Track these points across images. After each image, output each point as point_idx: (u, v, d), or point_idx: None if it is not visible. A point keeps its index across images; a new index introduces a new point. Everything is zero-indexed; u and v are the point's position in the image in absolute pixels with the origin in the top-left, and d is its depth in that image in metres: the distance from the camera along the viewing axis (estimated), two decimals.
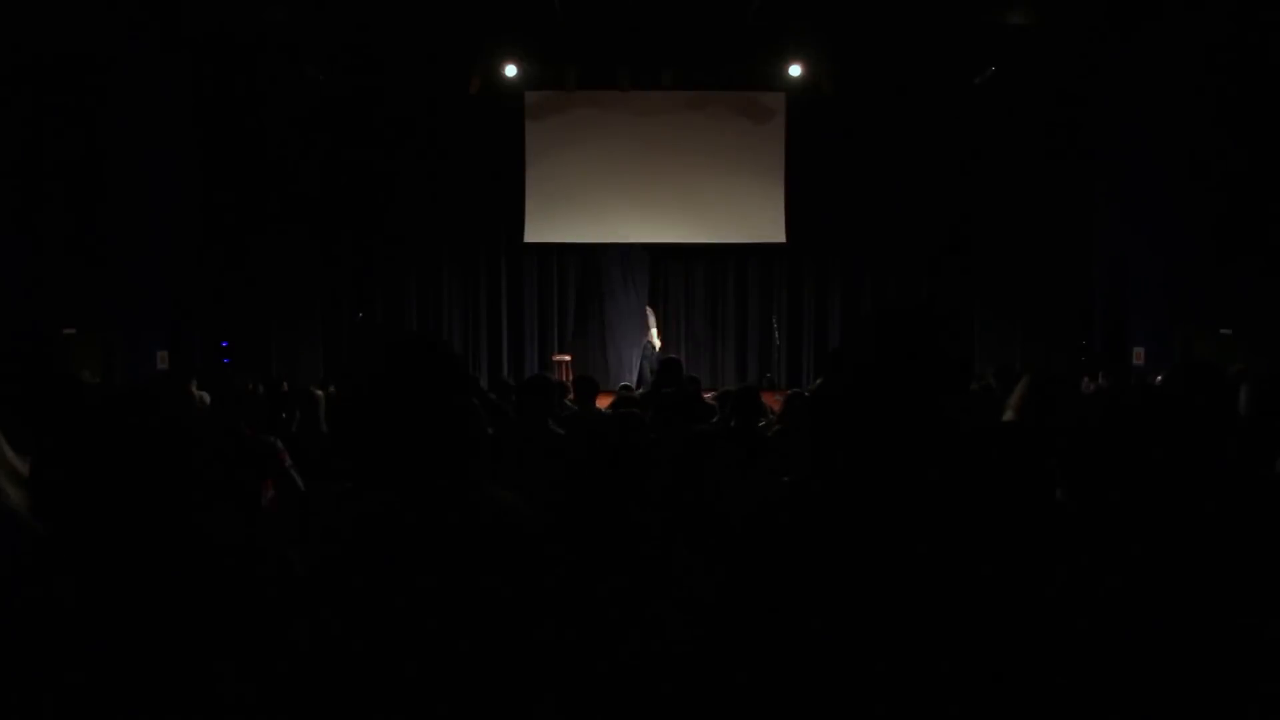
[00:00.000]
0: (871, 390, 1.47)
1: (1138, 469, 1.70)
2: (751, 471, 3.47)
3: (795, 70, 12.45)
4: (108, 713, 1.37)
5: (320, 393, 5.42)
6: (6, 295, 9.74)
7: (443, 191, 13.42)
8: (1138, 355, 11.05)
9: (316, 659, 1.40)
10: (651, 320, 13.13)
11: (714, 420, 4.98)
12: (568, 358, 13.13)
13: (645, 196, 13.47)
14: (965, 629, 1.38)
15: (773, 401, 7.27)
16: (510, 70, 12.39)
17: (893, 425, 1.45)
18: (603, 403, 6.14)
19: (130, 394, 1.52)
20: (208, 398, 5.11)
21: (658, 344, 12.91)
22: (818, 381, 3.88)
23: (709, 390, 8.34)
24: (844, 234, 13.70)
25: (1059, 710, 1.47)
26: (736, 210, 13.58)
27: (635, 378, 12.14)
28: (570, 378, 11.87)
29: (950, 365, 1.50)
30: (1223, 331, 10.48)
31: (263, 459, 3.85)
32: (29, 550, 1.49)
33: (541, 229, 13.59)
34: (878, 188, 13.36)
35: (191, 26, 10.55)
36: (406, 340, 1.50)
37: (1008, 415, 3.25)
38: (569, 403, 5.98)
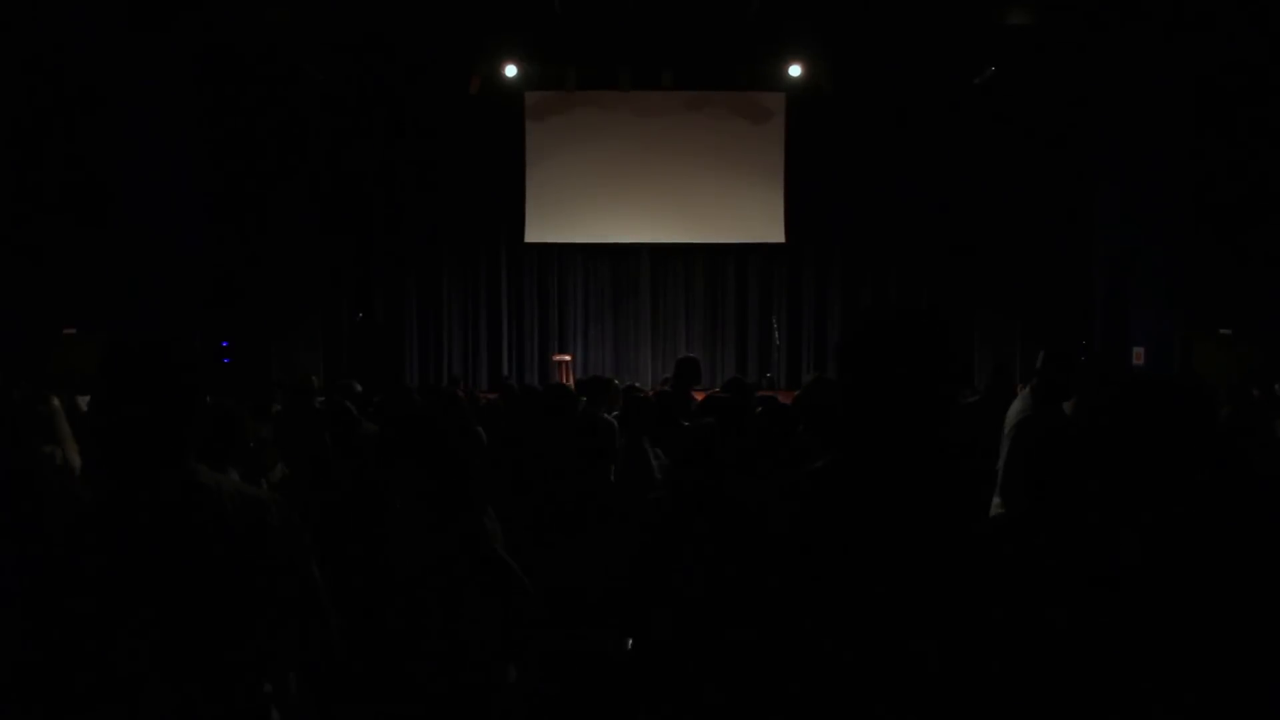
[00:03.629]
0: (877, 389, 1.47)
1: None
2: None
3: (795, 70, 12.45)
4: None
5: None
6: (6, 295, 9.74)
7: (443, 192, 13.42)
8: (1137, 355, 11.03)
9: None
10: None
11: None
12: (568, 358, 13.13)
13: (645, 197, 13.47)
14: (962, 625, 1.39)
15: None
16: (510, 70, 12.40)
17: (902, 423, 1.46)
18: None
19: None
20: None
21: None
22: (813, 376, 3.81)
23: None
24: (844, 234, 13.70)
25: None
26: (736, 210, 13.58)
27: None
28: (571, 378, 11.90)
29: (953, 368, 1.50)
30: (1222, 331, 10.48)
31: None
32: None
33: (542, 229, 13.59)
34: (877, 188, 13.36)
35: (193, 27, 10.54)
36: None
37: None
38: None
